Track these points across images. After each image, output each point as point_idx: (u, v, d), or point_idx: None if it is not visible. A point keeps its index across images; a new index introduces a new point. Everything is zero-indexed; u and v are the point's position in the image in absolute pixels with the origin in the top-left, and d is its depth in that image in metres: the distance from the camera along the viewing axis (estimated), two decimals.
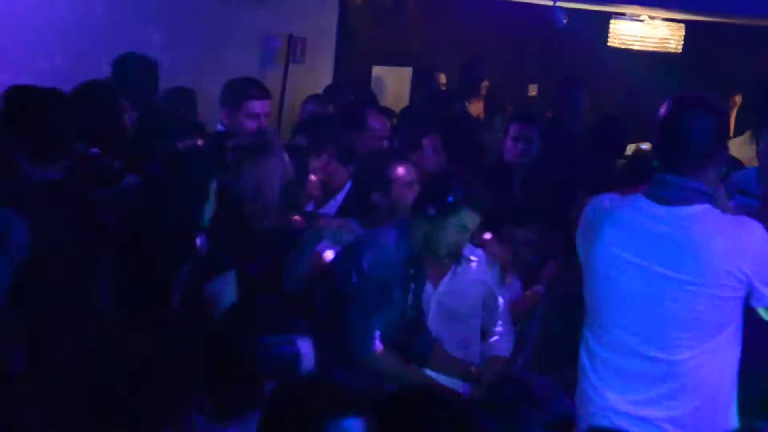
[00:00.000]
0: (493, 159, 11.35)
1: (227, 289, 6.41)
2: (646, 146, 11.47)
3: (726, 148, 6.01)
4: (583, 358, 6.05)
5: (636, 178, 9.19)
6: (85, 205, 7.02)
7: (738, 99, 11.46)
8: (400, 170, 8.00)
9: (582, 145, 11.39)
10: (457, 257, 7.48)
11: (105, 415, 6.37)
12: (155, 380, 6.23)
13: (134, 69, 9.82)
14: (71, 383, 6.56)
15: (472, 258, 7.69)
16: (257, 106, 9.06)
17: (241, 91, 9.39)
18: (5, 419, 6.68)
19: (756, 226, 5.67)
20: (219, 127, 9.52)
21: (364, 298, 6.93)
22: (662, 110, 5.77)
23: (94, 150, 7.62)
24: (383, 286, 6.98)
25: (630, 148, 11.66)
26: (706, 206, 5.60)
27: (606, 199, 6.00)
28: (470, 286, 7.71)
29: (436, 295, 7.60)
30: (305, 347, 4.74)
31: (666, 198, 5.61)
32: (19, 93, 7.23)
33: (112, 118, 8.03)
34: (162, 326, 6.51)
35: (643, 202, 5.72)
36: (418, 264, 7.18)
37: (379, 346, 7.00)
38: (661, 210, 5.62)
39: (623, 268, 5.69)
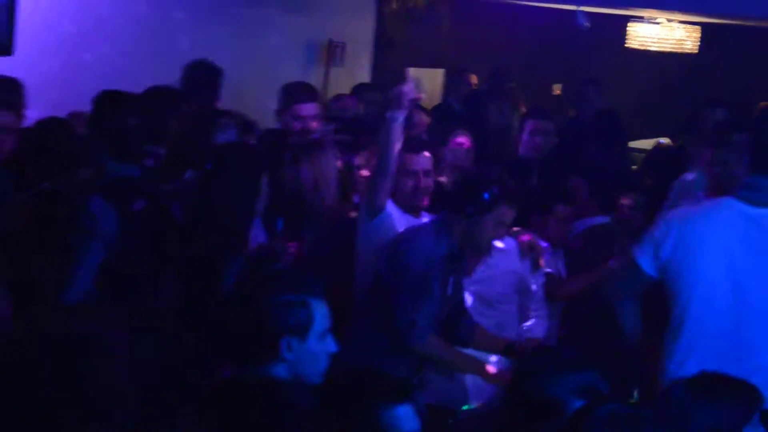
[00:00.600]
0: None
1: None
2: (664, 141, 11.36)
3: None
4: (678, 341, 6.09)
5: (656, 170, 10.03)
6: (158, 198, 7.10)
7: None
8: (419, 160, 7.84)
9: (589, 139, 11.06)
10: (489, 248, 7.44)
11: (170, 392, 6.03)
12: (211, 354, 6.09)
13: (200, 75, 9.87)
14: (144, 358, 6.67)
15: (502, 246, 7.56)
16: (303, 109, 9.18)
17: (290, 95, 9.57)
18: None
19: None
20: (277, 126, 9.70)
21: (408, 291, 6.92)
22: (748, 117, 5.91)
23: (161, 150, 7.74)
24: (424, 280, 6.96)
25: (649, 143, 11.58)
26: None
27: (693, 211, 6.28)
28: (502, 275, 7.66)
29: (469, 283, 7.49)
30: (319, 308, 4.73)
31: (760, 200, 5.83)
32: (103, 99, 7.30)
33: (172, 120, 8.15)
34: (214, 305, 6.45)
35: (736, 204, 5.91)
36: (458, 259, 7.16)
37: (425, 332, 7.00)
38: (755, 212, 5.83)
39: (729, 265, 5.82)
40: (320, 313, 4.67)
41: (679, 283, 5.86)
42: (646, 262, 5.96)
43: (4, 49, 10.45)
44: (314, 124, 9.22)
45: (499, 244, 7.47)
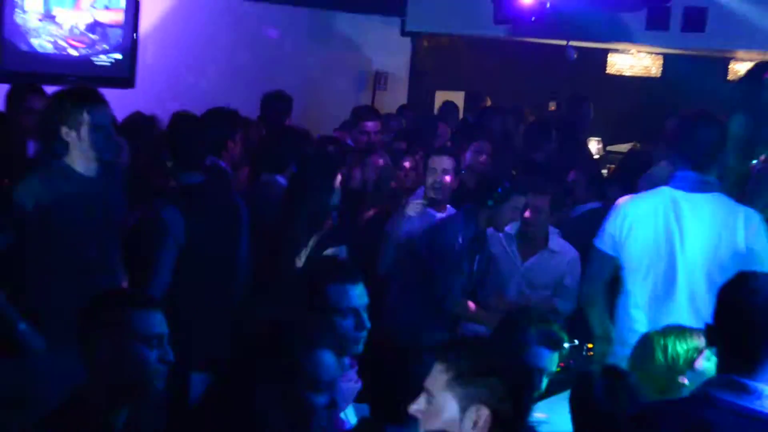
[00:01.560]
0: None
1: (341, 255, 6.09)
2: (635, 145, 11.18)
3: (725, 152, 6.04)
4: (627, 308, 5.99)
5: (629, 167, 9.52)
6: (223, 199, 6.94)
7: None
8: (440, 161, 7.75)
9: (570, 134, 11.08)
10: (545, 241, 7.64)
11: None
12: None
13: (275, 101, 9.81)
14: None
15: (557, 250, 7.65)
16: (368, 126, 9.34)
17: (358, 115, 9.79)
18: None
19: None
20: (348, 140, 9.74)
21: (445, 267, 7.02)
22: (681, 124, 6.06)
23: (222, 163, 7.70)
24: (456, 257, 7.06)
25: (625, 147, 11.50)
26: (718, 194, 5.79)
27: (636, 197, 6.13)
28: (550, 268, 7.62)
29: (522, 268, 7.57)
30: (358, 290, 4.69)
31: (686, 188, 5.77)
32: (175, 120, 7.23)
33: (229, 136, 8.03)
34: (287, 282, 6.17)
35: (670, 191, 5.84)
36: (482, 241, 7.31)
37: (457, 298, 7.14)
38: (684, 195, 5.76)
39: (663, 240, 5.75)
40: (358, 293, 4.67)
41: (630, 253, 5.84)
42: (607, 246, 5.92)
43: (128, 83, 10.45)
44: (376, 137, 9.35)
45: (555, 247, 7.60)
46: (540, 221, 7.60)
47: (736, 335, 3.76)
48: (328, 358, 3.77)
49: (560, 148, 10.52)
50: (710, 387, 3.78)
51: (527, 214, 7.48)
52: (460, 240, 7.14)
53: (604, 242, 5.95)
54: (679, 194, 5.77)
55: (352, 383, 4.98)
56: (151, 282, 6.33)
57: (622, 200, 6.07)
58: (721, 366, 3.83)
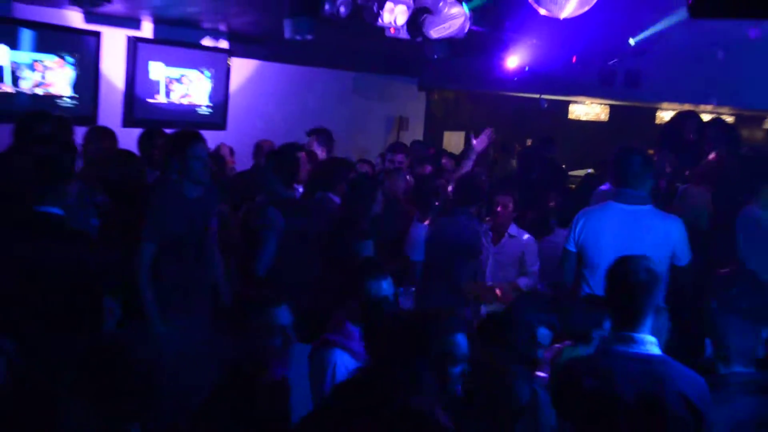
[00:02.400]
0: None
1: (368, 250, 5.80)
2: (590, 171, 10.87)
3: (652, 175, 6.06)
4: (585, 287, 6.00)
5: (585, 186, 9.64)
6: (305, 209, 7.02)
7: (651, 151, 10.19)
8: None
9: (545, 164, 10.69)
10: (507, 230, 7.44)
11: None
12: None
13: (324, 137, 9.35)
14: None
15: (514, 234, 7.46)
16: (397, 157, 9.33)
17: (389, 150, 9.73)
18: None
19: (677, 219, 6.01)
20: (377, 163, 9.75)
21: (464, 257, 7.05)
22: (616, 154, 6.04)
23: (299, 186, 7.63)
24: (473, 249, 7.10)
25: (582, 172, 11.32)
26: (650, 206, 5.94)
27: (591, 209, 6.20)
28: (512, 249, 7.46)
29: (493, 251, 7.45)
30: (387, 285, 4.60)
31: (626, 201, 5.90)
32: (280, 150, 7.57)
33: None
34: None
35: (614, 205, 5.98)
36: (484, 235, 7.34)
37: (471, 280, 7.11)
38: (625, 207, 5.90)
39: (610, 239, 5.78)
40: (387, 286, 4.59)
41: (585, 252, 5.96)
42: (570, 245, 6.02)
43: (221, 127, 10.64)
44: (403, 164, 9.26)
45: (513, 232, 7.48)
46: (506, 215, 7.48)
47: (621, 302, 3.97)
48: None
49: (545, 171, 10.44)
50: (607, 342, 4.05)
51: (499, 209, 7.47)
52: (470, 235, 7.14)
53: (569, 242, 6.06)
54: (620, 206, 5.91)
55: None
56: (259, 260, 6.55)
57: (581, 212, 6.14)
58: (613, 325, 4.07)
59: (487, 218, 7.74)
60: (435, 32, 7.94)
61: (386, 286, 4.56)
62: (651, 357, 3.88)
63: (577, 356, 4.55)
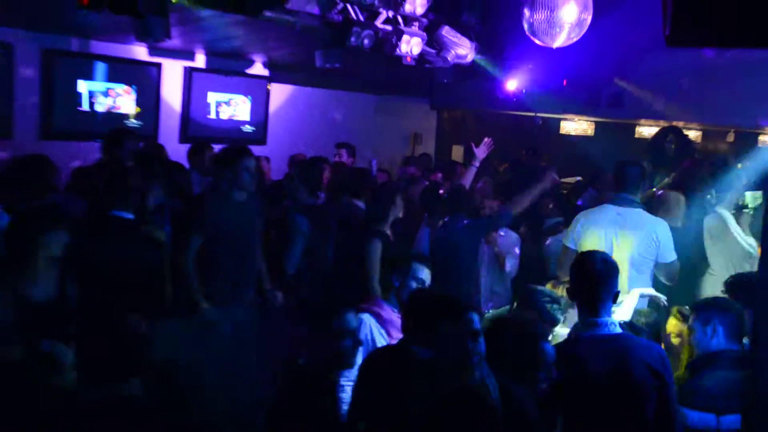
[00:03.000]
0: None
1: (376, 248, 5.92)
2: (579, 178, 10.83)
3: (646, 182, 6.33)
4: None
5: (575, 192, 9.78)
6: (326, 214, 7.01)
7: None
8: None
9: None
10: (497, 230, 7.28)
11: None
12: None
13: (349, 148, 9.58)
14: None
15: (503, 233, 7.37)
16: (410, 169, 9.57)
17: (403, 164, 10.04)
18: None
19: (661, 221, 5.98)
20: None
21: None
22: (618, 165, 6.07)
23: (322, 194, 7.50)
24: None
25: (573, 179, 11.01)
26: (641, 209, 5.95)
27: (590, 211, 6.13)
28: (503, 246, 7.32)
29: (489, 249, 7.29)
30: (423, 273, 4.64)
31: (622, 204, 5.91)
32: (307, 162, 7.65)
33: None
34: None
35: (610, 207, 5.98)
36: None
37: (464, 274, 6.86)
38: (620, 209, 5.90)
39: (603, 236, 5.78)
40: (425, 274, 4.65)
41: (583, 247, 5.75)
42: (570, 243, 5.97)
43: (262, 142, 10.60)
44: (415, 175, 9.36)
45: (502, 232, 7.37)
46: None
47: (585, 292, 3.97)
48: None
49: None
50: (576, 330, 4.02)
51: (487, 212, 7.44)
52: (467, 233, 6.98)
53: (568, 240, 6.03)
54: (618, 209, 5.90)
55: None
56: (289, 258, 6.66)
57: (580, 213, 6.13)
58: (580, 314, 4.03)
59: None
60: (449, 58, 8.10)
61: (424, 274, 4.65)
62: (614, 335, 3.90)
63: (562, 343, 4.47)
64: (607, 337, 3.88)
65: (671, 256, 5.84)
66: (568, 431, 3.91)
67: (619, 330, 3.93)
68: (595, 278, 3.94)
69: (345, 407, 3.85)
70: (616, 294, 4.01)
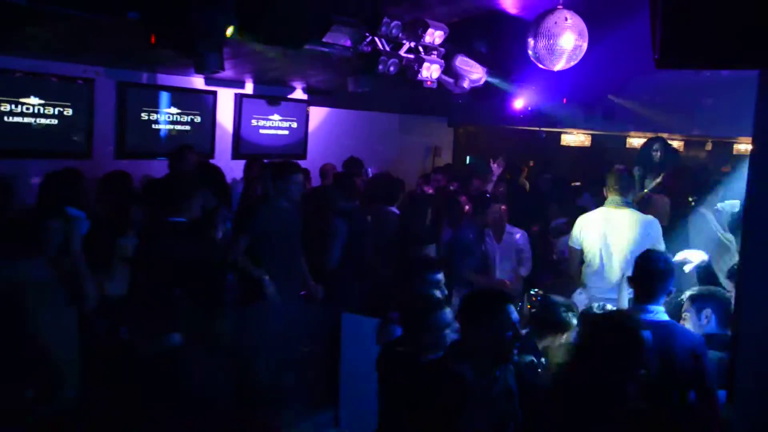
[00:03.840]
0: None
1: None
2: (578, 183, 10.65)
3: (636, 186, 6.28)
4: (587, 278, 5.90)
5: (575, 198, 9.62)
6: (362, 218, 7.02)
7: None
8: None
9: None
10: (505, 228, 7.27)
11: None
12: None
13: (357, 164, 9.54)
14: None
15: (510, 231, 7.33)
16: (438, 176, 9.47)
17: (434, 172, 9.86)
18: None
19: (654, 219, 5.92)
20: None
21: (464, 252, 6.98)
22: (608, 171, 6.05)
23: (356, 204, 7.42)
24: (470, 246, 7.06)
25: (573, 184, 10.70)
26: (631, 209, 5.91)
27: (588, 214, 6.05)
28: (511, 243, 7.31)
29: (498, 248, 7.25)
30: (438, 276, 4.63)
31: (614, 206, 5.90)
32: (343, 173, 7.69)
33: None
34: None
35: (606, 210, 5.96)
36: (483, 236, 7.18)
37: (469, 270, 6.98)
38: (615, 211, 5.89)
39: (602, 235, 5.78)
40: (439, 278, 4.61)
41: (584, 245, 5.91)
42: (574, 244, 5.98)
43: (303, 157, 10.48)
44: (442, 183, 9.30)
45: (509, 230, 7.34)
46: (504, 218, 7.35)
47: (643, 283, 4.05)
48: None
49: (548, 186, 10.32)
50: (631, 311, 4.12)
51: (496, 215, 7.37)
52: (470, 235, 7.09)
53: (573, 242, 6.04)
54: (610, 210, 5.91)
55: None
56: (330, 257, 6.67)
57: (580, 217, 6.10)
58: (635, 299, 4.13)
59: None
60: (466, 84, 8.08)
61: (439, 277, 4.62)
62: (662, 322, 3.95)
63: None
64: (655, 322, 3.90)
65: (662, 246, 5.75)
66: None
67: (666, 318, 4.00)
68: (654, 274, 4.01)
69: None
70: (670, 291, 4.09)
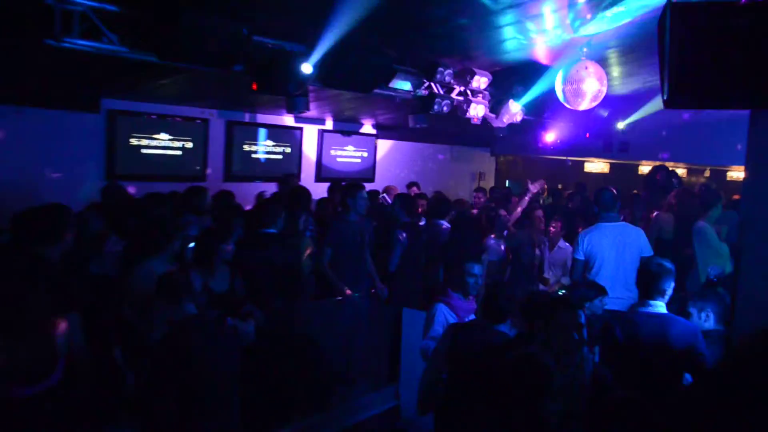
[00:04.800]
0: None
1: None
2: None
3: (619, 203, 5.75)
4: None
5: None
6: (418, 230, 6.67)
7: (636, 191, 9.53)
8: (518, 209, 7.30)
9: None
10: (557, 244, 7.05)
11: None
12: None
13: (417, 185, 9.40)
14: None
15: (563, 247, 7.12)
16: (478, 196, 9.05)
17: (474, 191, 9.44)
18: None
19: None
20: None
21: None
22: (596, 193, 5.77)
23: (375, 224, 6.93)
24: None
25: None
26: (624, 223, 5.66)
27: (589, 229, 5.70)
28: (560, 256, 7.08)
29: (548, 256, 7.10)
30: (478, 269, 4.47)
31: (612, 220, 5.60)
32: (406, 194, 7.51)
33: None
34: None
35: (603, 225, 5.62)
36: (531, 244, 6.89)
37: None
38: (609, 225, 5.59)
39: (606, 246, 5.49)
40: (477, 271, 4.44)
41: (590, 258, 5.52)
42: (579, 255, 5.56)
43: (372, 180, 10.41)
44: (482, 200, 8.93)
45: (561, 245, 7.12)
46: (556, 233, 7.22)
47: (643, 283, 3.93)
48: (478, 268, 3.80)
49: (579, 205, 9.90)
50: (634, 307, 3.99)
51: (552, 229, 7.27)
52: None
53: (578, 253, 5.65)
54: (606, 225, 5.60)
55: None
56: (391, 262, 6.47)
57: (582, 232, 5.80)
58: (639, 297, 3.98)
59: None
60: (505, 120, 8.04)
61: (478, 269, 4.52)
62: (660, 314, 3.86)
63: (611, 316, 4.33)
64: (654, 314, 3.86)
65: (650, 251, 5.54)
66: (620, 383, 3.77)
67: (664, 311, 3.88)
68: (652, 275, 3.92)
69: None
70: (664, 289, 3.94)
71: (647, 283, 3.94)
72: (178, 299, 3.47)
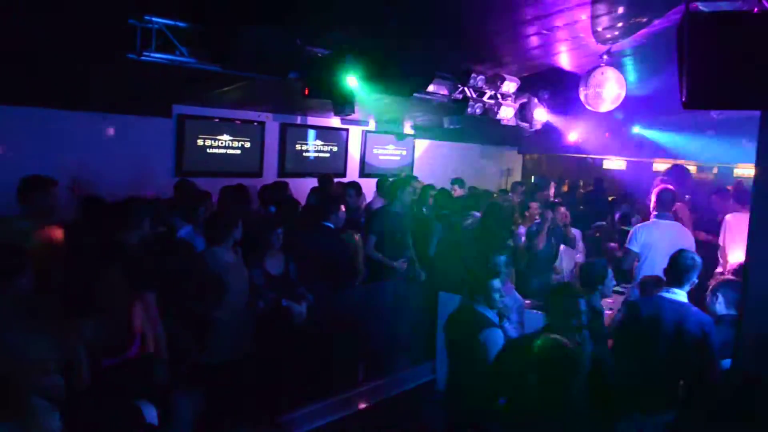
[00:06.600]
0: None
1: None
2: (614, 197, 9.71)
3: (674, 203, 5.71)
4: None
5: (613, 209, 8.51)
6: (451, 222, 6.50)
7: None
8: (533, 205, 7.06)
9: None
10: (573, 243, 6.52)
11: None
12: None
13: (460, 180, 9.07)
14: None
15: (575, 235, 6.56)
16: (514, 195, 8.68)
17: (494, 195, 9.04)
18: None
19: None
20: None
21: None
22: (658, 191, 5.56)
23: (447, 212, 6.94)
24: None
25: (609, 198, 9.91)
26: (675, 222, 5.61)
27: (644, 224, 5.59)
28: (572, 254, 6.61)
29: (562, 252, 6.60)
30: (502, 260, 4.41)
31: (668, 218, 5.46)
32: (443, 189, 7.33)
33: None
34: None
35: (659, 222, 5.48)
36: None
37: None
38: (666, 223, 5.46)
39: (661, 240, 5.32)
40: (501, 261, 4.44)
41: (645, 249, 5.37)
42: (633, 247, 5.41)
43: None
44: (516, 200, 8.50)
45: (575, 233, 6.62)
46: (573, 236, 6.59)
47: (672, 272, 3.90)
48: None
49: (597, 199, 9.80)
50: (659, 292, 3.96)
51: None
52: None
53: (631, 244, 5.48)
54: (662, 222, 5.48)
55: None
56: (429, 250, 6.37)
57: (639, 226, 5.65)
58: (666, 284, 3.93)
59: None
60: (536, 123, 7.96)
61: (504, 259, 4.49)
62: (681, 302, 3.84)
63: (636, 299, 4.37)
64: (675, 302, 3.84)
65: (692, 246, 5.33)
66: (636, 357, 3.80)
67: (684, 299, 3.86)
68: (685, 267, 3.88)
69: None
70: (689, 281, 3.90)
71: (677, 273, 3.90)
72: None
